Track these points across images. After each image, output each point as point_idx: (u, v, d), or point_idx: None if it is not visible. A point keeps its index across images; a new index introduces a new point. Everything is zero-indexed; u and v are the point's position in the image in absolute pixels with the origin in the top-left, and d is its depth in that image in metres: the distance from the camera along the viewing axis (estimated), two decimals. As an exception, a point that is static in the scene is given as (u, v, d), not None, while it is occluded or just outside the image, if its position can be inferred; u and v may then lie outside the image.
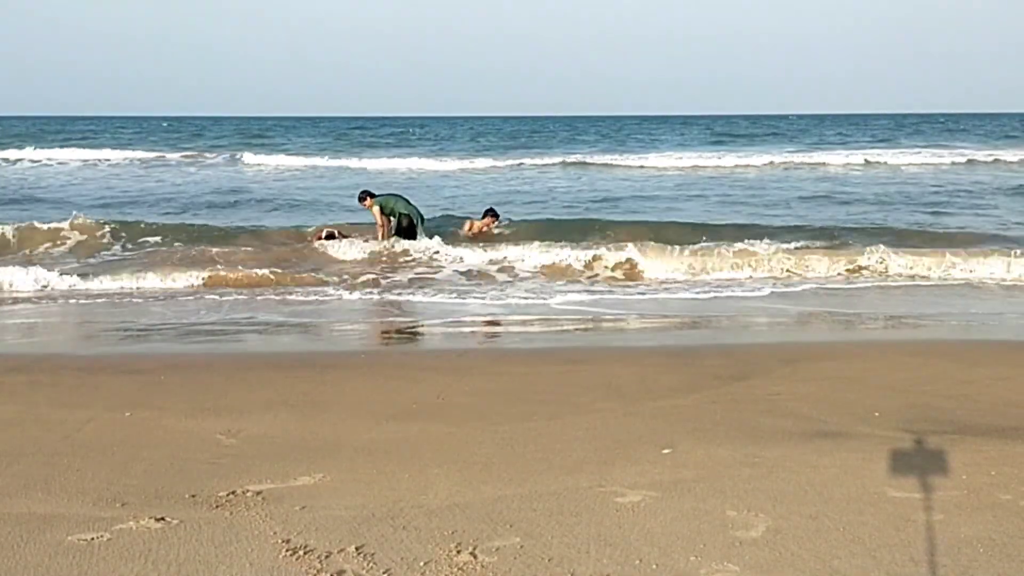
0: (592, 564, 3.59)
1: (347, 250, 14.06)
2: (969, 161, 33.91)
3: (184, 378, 6.68)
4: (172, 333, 9.04)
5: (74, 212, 16.25)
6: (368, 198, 14.54)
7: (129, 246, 14.81)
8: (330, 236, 14.73)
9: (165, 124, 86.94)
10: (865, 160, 34.50)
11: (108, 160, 37.39)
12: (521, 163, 34.81)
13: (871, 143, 49.00)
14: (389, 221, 14.49)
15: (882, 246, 13.59)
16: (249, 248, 14.38)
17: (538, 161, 35.55)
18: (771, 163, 33.63)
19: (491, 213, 15.78)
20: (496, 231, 15.55)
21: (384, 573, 3.53)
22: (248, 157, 37.35)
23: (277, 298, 11.16)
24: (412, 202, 14.87)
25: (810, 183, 26.46)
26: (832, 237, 14.91)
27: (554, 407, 5.84)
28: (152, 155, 39.55)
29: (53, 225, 15.20)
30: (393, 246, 14.12)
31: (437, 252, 13.81)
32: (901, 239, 14.70)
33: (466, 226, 15.59)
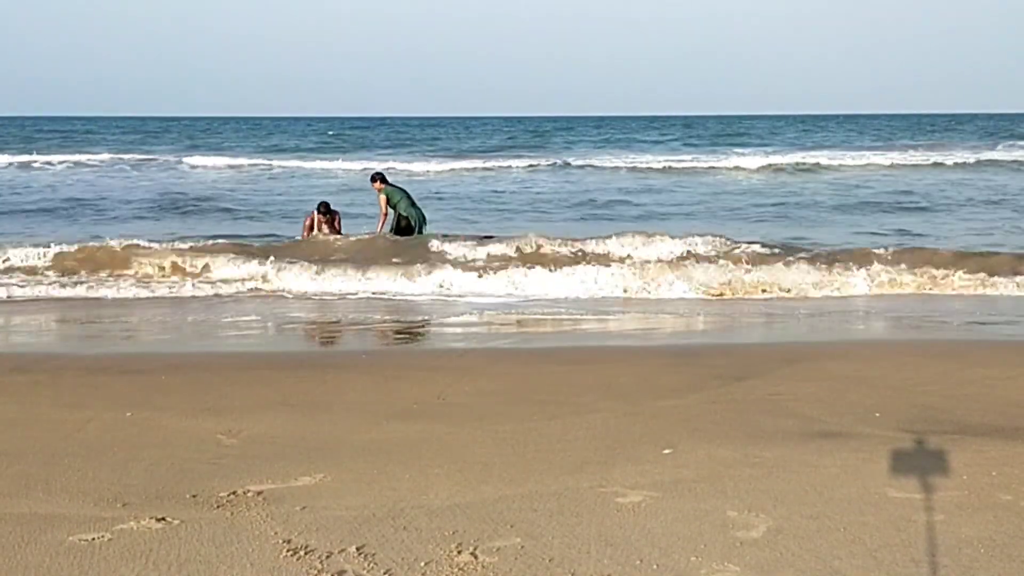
0: (593, 564, 3.58)
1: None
2: (976, 162, 33.69)
3: (184, 378, 6.67)
4: (172, 333, 9.04)
5: None
6: (380, 181, 14.01)
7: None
8: (323, 216, 14.20)
9: (158, 125, 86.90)
10: (866, 161, 34.48)
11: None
12: (510, 165, 34.67)
13: (870, 144, 49.02)
14: (390, 214, 14.04)
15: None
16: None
17: (529, 162, 35.46)
18: (771, 165, 33.60)
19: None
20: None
21: (385, 573, 3.53)
22: (198, 159, 36.71)
23: (275, 298, 11.16)
24: (417, 204, 14.38)
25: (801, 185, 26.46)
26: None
27: (554, 407, 5.84)
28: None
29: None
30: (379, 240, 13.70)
31: None
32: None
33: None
